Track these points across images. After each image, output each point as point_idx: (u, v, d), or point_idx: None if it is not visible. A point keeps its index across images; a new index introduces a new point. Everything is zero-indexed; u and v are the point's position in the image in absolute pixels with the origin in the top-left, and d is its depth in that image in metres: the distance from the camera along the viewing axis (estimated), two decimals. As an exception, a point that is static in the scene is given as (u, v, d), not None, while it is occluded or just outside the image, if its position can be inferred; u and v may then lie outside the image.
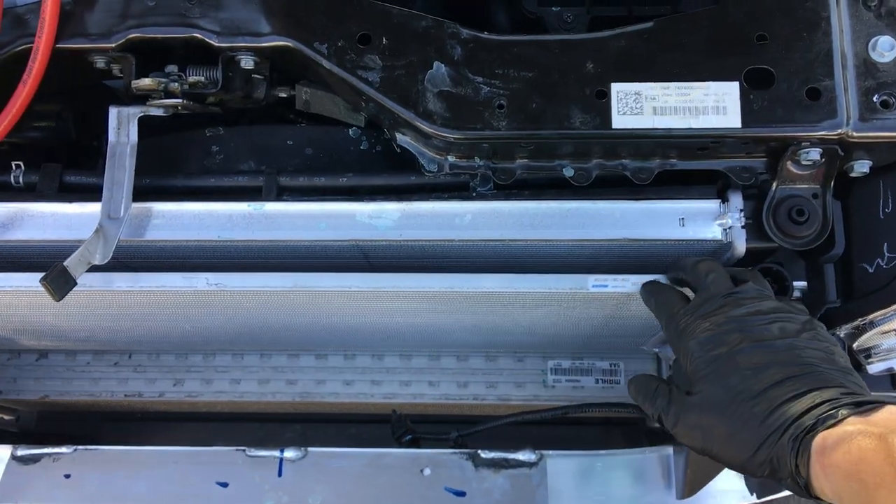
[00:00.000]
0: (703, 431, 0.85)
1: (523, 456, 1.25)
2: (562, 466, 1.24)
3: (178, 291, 1.04)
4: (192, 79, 1.02)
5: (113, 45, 1.00)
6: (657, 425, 1.38)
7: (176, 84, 1.02)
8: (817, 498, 0.77)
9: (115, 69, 1.04)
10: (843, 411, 0.76)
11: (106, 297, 1.08)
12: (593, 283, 1.00)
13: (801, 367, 0.82)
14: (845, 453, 0.72)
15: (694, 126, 0.94)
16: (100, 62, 1.03)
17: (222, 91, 1.02)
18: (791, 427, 0.78)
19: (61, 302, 0.99)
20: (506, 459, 1.25)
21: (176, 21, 1.00)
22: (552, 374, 1.55)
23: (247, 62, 1.02)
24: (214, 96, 1.04)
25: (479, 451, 1.25)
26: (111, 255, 1.00)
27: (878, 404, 0.76)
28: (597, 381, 1.55)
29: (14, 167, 1.09)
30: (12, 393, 1.53)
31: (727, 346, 0.85)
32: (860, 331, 1.03)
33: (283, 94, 1.09)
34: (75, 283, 0.98)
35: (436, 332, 1.29)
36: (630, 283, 1.00)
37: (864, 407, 0.76)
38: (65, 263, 0.97)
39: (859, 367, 1.12)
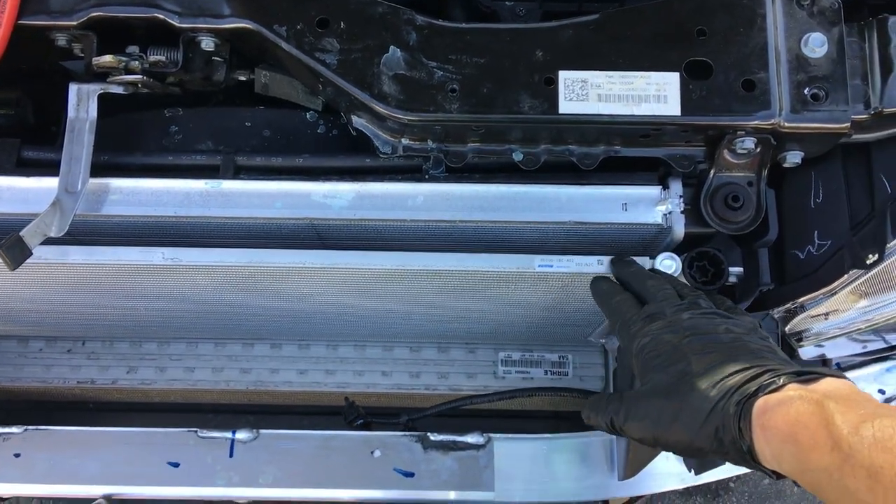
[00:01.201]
0: (652, 418, 0.87)
1: (471, 439, 1.28)
2: (508, 449, 1.28)
3: (133, 265, 1.06)
4: (152, 58, 1.04)
5: (75, 23, 1.02)
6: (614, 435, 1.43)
7: (136, 62, 1.04)
8: (760, 465, 0.79)
9: (77, 48, 1.06)
10: (784, 378, 0.79)
11: (61, 270, 1.09)
12: (539, 263, 1.04)
13: (746, 352, 0.85)
14: (784, 416, 0.74)
15: (636, 113, 0.98)
16: (61, 40, 1.04)
17: (182, 71, 1.05)
18: (735, 394, 0.80)
19: (15, 275, 1.00)
20: (454, 442, 1.28)
21: (138, 0, 1.03)
22: (503, 366, 1.59)
23: (207, 44, 1.04)
24: (174, 76, 1.06)
25: (429, 434, 1.28)
26: (67, 227, 1.01)
27: (819, 375, 0.79)
28: (546, 372, 1.59)
29: (-29, 142, 1.11)
30: (-38, 378, 1.53)
31: (675, 339, 0.89)
32: (792, 314, 1.09)
33: (243, 77, 1.12)
34: (31, 254, 0.99)
35: (388, 318, 1.32)
36: (574, 264, 1.04)
37: (804, 376, 0.79)
38: (21, 233, 0.98)
39: (792, 353, 1.17)
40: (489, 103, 0.99)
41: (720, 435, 0.81)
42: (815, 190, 1.07)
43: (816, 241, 1.06)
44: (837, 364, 1.25)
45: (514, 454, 1.28)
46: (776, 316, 1.09)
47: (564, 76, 0.99)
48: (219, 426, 1.67)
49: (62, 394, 1.59)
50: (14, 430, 1.29)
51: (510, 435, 1.29)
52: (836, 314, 1.09)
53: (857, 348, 1.21)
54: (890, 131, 1.02)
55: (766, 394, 0.78)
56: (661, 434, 0.87)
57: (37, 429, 1.29)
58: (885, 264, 1.00)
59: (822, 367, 0.82)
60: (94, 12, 1.02)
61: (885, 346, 1.25)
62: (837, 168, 1.06)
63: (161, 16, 1.02)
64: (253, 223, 1.06)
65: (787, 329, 1.11)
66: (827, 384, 0.78)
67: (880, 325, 1.14)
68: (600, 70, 0.99)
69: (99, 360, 1.59)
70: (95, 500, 1.24)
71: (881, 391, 1.30)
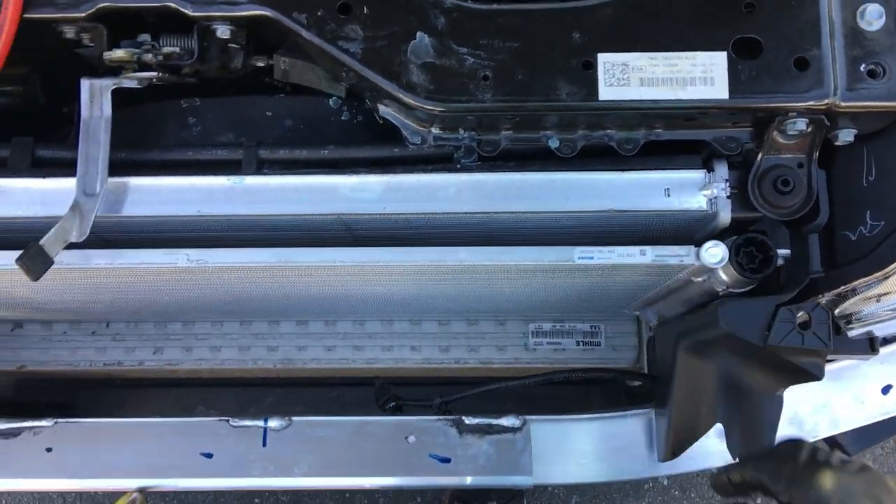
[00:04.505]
0: None
1: (507, 422, 1.25)
2: (545, 431, 1.25)
3: (158, 268, 1.03)
4: (166, 49, 0.99)
5: (83, 15, 0.97)
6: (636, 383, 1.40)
7: (150, 55, 0.98)
8: None
9: (86, 39, 1.01)
10: None
11: (84, 273, 1.06)
12: (579, 255, 1.00)
13: None
14: None
15: (681, 97, 0.93)
16: (69, 32, 0.99)
17: (198, 62, 1.00)
18: None
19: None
20: (490, 425, 1.25)
21: (148, -11, 0.97)
22: (533, 337, 1.56)
23: (223, 32, 0.98)
24: (190, 67, 1.01)
25: (464, 418, 1.26)
26: (88, 231, 0.97)
27: None
28: (577, 342, 1.56)
29: (-18, 140, 1.06)
30: (-12, 363, 1.52)
31: None
32: (843, 298, 1.04)
33: (261, 64, 1.06)
34: (52, 262, 0.96)
35: (417, 300, 1.28)
36: (616, 255, 0.99)
37: None
38: (41, 242, 0.94)
39: (839, 332, 1.13)
40: (524, 91, 0.93)
41: None
42: (868, 167, 1.02)
43: (869, 221, 1.01)
44: (884, 339, 1.21)
45: (551, 436, 1.25)
46: (824, 301, 1.04)
47: (604, 59, 0.93)
48: (247, 401, 1.67)
49: (89, 375, 1.58)
50: (44, 423, 1.27)
51: (546, 417, 1.26)
52: (889, 296, 1.04)
53: (906, 326, 1.17)
54: (949, 104, 0.96)
55: None
56: None
57: (67, 422, 1.27)
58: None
59: None
60: (103, 3, 0.96)
61: (933, 318, 1.20)
62: (892, 144, 1.00)
63: (173, 5, 0.96)
64: (279, 219, 1.02)
65: (836, 312, 1.06)
66: None
67: (935, 303, 1.09)
68: (642, 51, 0.93)
69: (125, 342, 1.58)
70: (130, 493, 1.23)
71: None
